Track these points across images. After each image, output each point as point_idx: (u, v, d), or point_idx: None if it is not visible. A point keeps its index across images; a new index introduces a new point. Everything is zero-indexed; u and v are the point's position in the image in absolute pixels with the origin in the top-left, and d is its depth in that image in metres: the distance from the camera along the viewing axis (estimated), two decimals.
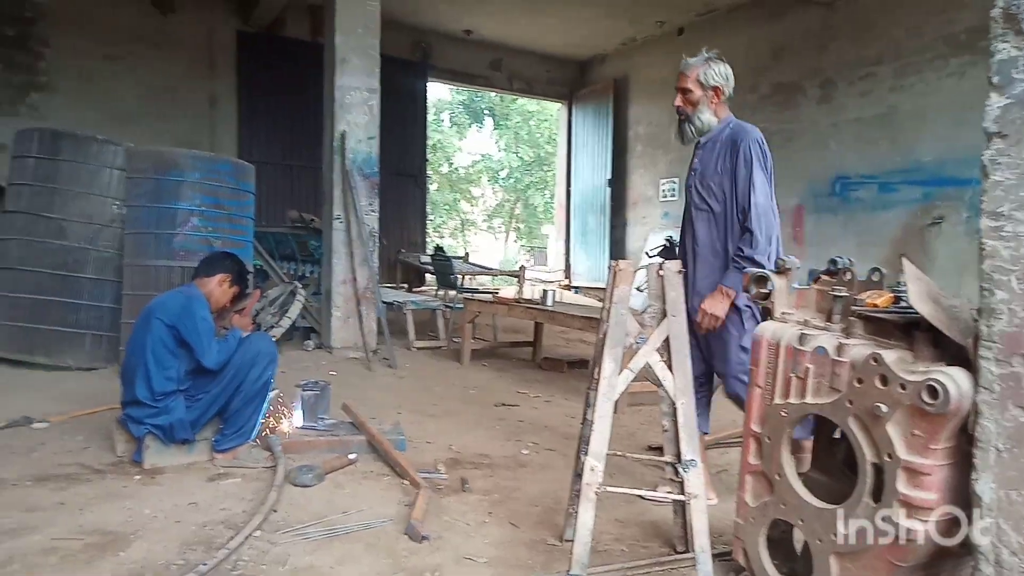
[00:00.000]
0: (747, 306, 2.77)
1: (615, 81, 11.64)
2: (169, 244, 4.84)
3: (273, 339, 3.50)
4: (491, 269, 11.34)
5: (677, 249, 3.14)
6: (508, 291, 8.95)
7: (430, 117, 14.06)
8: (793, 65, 8.75)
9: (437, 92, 20.58)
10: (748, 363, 2.65)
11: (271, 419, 3.42)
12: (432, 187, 20.90)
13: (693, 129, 2.91)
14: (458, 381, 5.35)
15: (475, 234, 24.87)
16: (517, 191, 23.78)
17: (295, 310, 5.81)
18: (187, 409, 3.06)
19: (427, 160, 12.11)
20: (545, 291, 5.71)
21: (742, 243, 2.73)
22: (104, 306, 5.10)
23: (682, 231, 3.06)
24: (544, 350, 6.52)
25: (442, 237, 22.51)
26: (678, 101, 2.91)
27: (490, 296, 7.04)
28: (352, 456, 3.25)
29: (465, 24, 10.66)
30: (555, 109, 13.56)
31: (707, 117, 2.88)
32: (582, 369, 5.89)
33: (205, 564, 2.12)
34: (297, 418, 3.56)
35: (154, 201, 4.86)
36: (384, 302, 6.34)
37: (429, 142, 13.21)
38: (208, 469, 3.08)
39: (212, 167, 5.07)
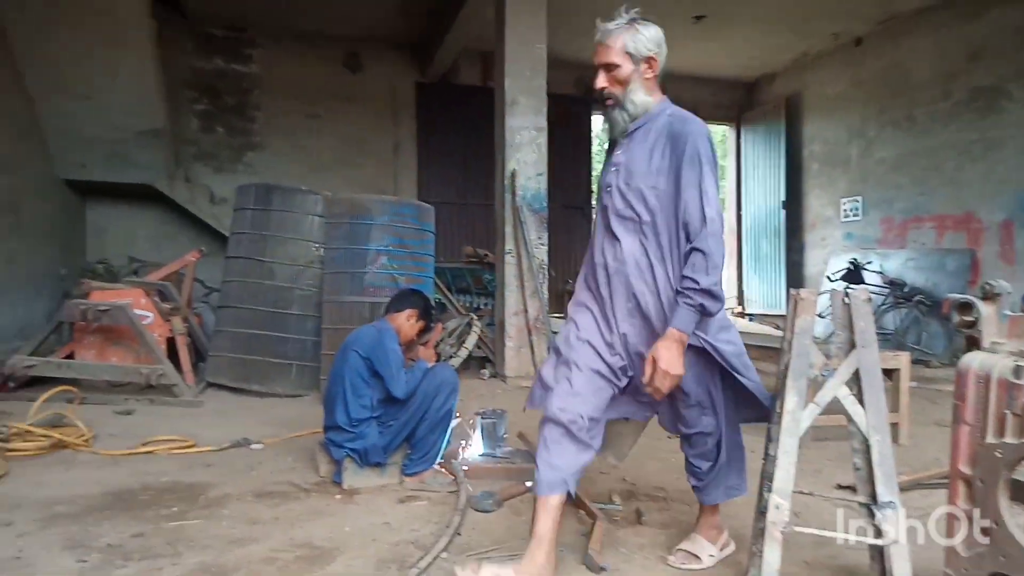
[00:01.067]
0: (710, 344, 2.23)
1: (787, 99, 11.14)
2: (361, 281, 5.31)
3: (455, 370, 3.70)
4: None
5: (583, 268, 2.46)
6: None
7: (594, 148, 14.23)
8: (994, 67, 7.91)
9: (600, 124, 20.73)
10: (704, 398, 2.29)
11: (454, 445, 3.61)
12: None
13: (626, 116, 2.26)
14: None
15: None
16: None
17: (471, 340, 6.10)
18: (380, 435, 3.32)
19: (592, 192, 12.26)
20: None
21: (693, 270, 2.09)
22: (307, 339, 5.66)
23: (591, 245, 2.40)
24: None
25: None
26: (601, 81, 2.25)
27: None
28: (529, 484, 3.34)
29: None
30: (722, 132, 13.18)
31: (641, 98, 2.25)
32: None
33: None
34: (477, 445, 3.72)
35: (348, 243, 5.36)
36: (554, 332, 6.47)
37: (594, 173, 13.36)
38: (398, 491, 3.31)
39: (398, 210, 5.51)
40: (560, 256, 10.22)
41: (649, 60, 2.22)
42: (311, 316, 5.67)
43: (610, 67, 2.21)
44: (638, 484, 3.49)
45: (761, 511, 2.09)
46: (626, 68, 2.21)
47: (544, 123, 6.48)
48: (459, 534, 2.74)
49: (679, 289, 2.11)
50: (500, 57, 6.53)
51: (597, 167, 18.85)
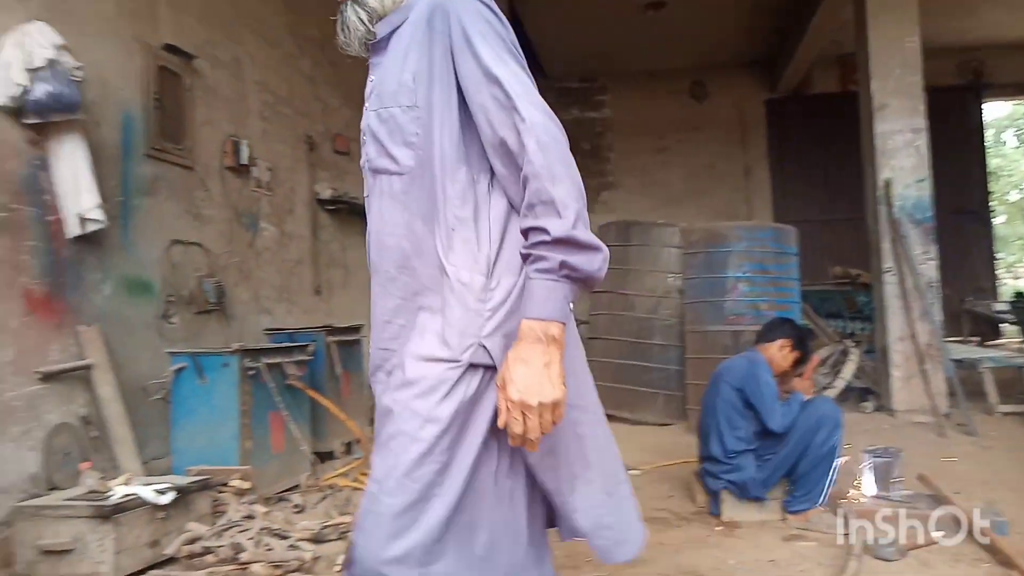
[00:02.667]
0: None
1: None
2: (721, 310, 5.25)
3: (837, 404, 3.43)
4: None
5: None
6: None
7: (987, 141, 12.10)
8: None
9: (993, 111, 17.61)
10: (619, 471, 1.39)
11: (840, 485, 3.33)
12: (997, 221, 17.72)
13: (363, 14, 1.33)
14: None
15: None
16: None
17: (848, 370, 5.59)
18: (757, 468, 3.22)
19: (989, 191, 10.38)
20: None
21: (535, 215, 1.15)
22: (670, 368, 5.76)
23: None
24: None
25: (1017, 279, 18.74)
26: None
27: None
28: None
29: None
30: None
31: None
32: None
33: None
34: (867, 486, 3.38)
35: (706, 272, 5.36)
36: (953, 359, 5.58)
37: (988, 170, 11.34)
38: (781, 528, 3.16)
39: (755, 235, 5.36)
40: (952, 270, 8.81)
41: None
42: (673, 346, 5.76)
43: None
44: None
45: None
46: None
47: (922, 123, 5.73)
48: None
49: (521, 251, 1.20)
50: (863, 59, 5.97)
51: (993, 161, 15.98)
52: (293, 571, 2.65)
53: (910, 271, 5.56)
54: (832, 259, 8.40)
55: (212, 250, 4.41)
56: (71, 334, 3.32)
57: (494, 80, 1.20)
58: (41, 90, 3.00)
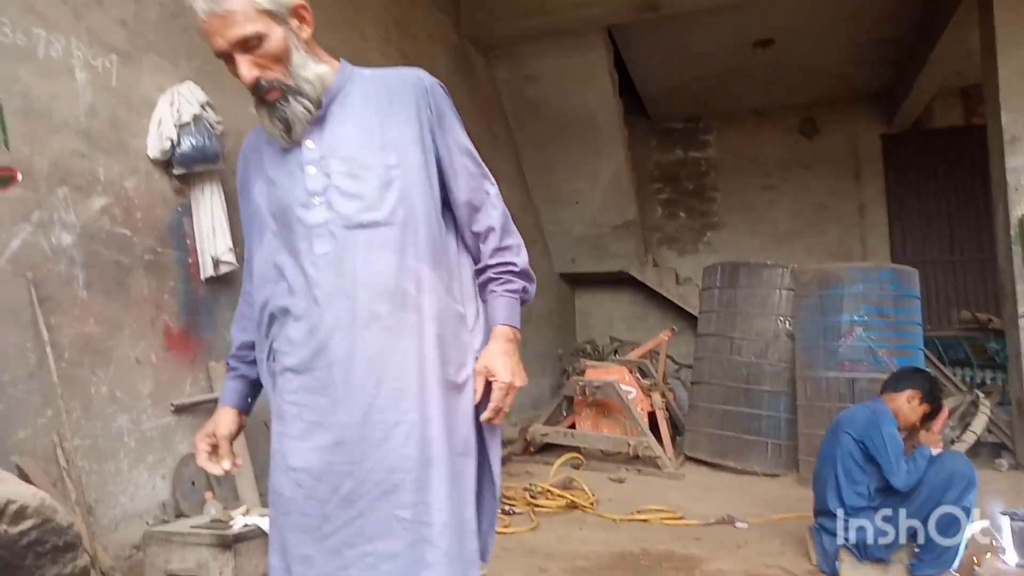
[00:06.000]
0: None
1: None
2: (836, 355, 5.01)
3: (969, 460, 3.19)
4: None
5: (282, 309, 1.49)
6: None
7: None
8: None
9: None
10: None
11: (974, 550, 3.08)
12: None
13: (307, 102, 1.41)
14: None
15: None
16: None
17: (979, 424, 5.17)
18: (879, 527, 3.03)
19: None
20: None
21: (503, 254, 1.54)
22: (780, 416, 5.52)
23: (285, 277, 1.46)
24: None
25: None
26: (248, 70, 1.37)
27: None
28: None
29: None
30: None
31: (315, 70, 1.43)
32: None
33: None
34: (1008, 553, 3.10)
35: (819, 315, 5.15)
36: None
37: None
38: None
39: (873, 276, 5.12)
40: None
41: (298, 11, 1.42)
42: (783, 392, 5.53)
43: (248, 43, 1.36)
44: None
45: None
46: (275, 35, 1.38)
47: None
48: None
49: (491, 276, 1.55)
50: (992, 90, 5.64)
51: None
52: None
53: None
54: (956, 303, 7.87)
55: None
56: (203, 369, 3.57)
57: (467, 153, 1.53)
58: (187, 143, 3.30)
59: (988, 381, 6.46)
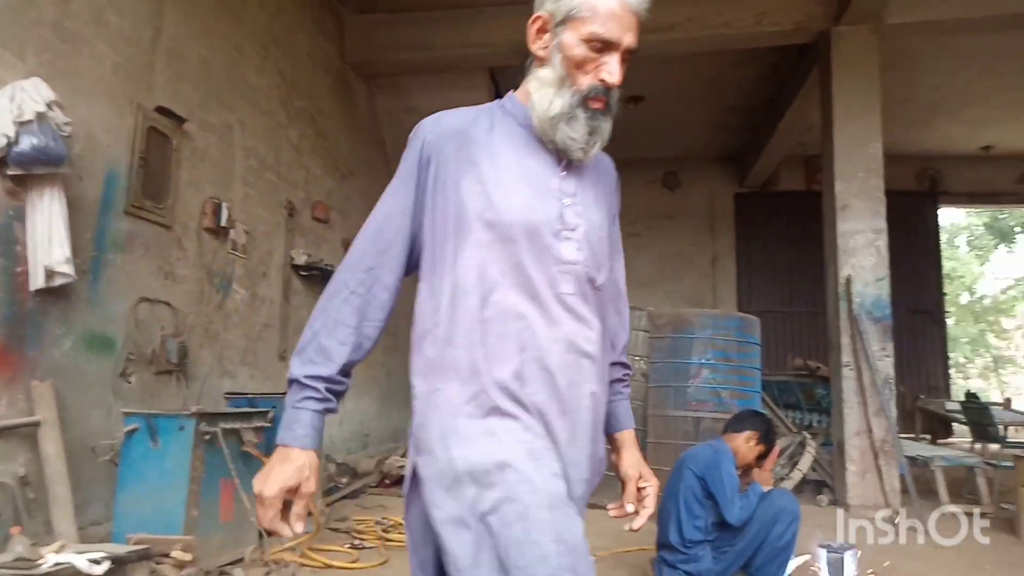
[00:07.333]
0: None
1: None
2: (684, 396, 5.31)
3: (795, 497, 3.46)
4: None
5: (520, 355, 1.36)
6: None
7: (942, 245, 12.67)
8: None
9: (948, 216, 18.47)
10: None
11: None
12: (949, 321, 18.33)
13: (609, 129, 1.48)
14: (1018, 559, 4.37)
15: (1012, 373, 20.54)
16: None
17: (805, 462, 5.64)
18: (714, 560, 3.21)
19: (944, 293, 10.80)
20: None
21: (626, 355, 1.60)
22: None
23: (531, 324, 1.33)
24: None
25: (967, 379, 19.22)
26: (620, 72, 1.40)
27: None
28: None
29: (983, 141, 9.55)
30: None
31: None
32: None
33: None
34: None
35: (671, 356, 5.44)
36: (907, 456, 5.67)
37: (943, 271, 11.84)
38: None
39: (721, 323, 5.48)
40: (907, 368, 9.09)
41: None
42: (638, 429, 5.76)
43: (630, 52, 1.39)
44: None
45: None
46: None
47: (883, 224, 5.98)
48: None
49: (620, 377, 1.58)
50: (828, 161, 6.27)
51: (945, 264, 16.62)
52: None
53: (868, 367, 5.70)
54: (792, 350, 8.59)
55: (180, 309, 4.38)
56: (23, 389, 3.24)
57: (620, 251, 1.59)
58: (27, 143, 3.03)
59: (815, 423, 7.05)
